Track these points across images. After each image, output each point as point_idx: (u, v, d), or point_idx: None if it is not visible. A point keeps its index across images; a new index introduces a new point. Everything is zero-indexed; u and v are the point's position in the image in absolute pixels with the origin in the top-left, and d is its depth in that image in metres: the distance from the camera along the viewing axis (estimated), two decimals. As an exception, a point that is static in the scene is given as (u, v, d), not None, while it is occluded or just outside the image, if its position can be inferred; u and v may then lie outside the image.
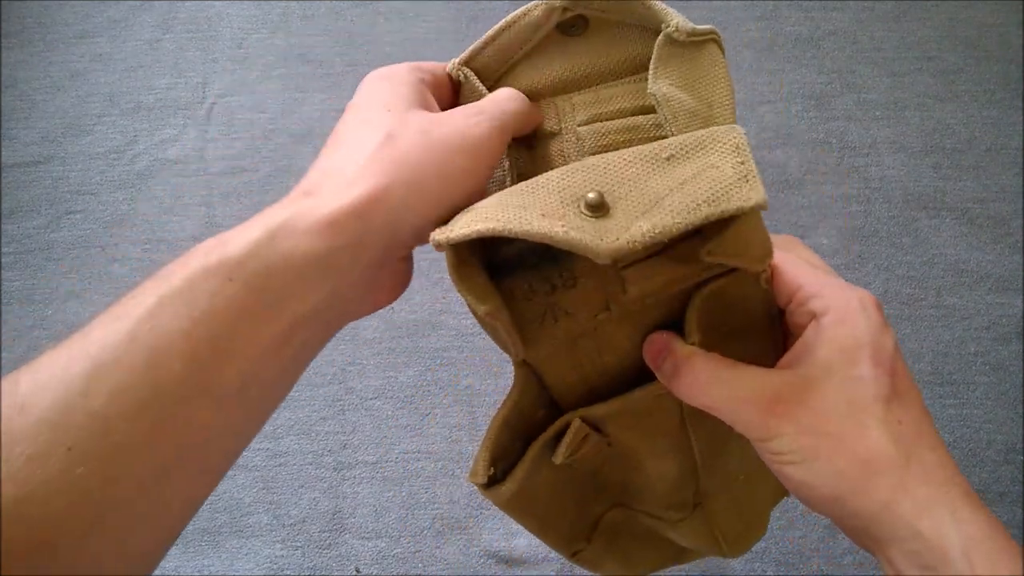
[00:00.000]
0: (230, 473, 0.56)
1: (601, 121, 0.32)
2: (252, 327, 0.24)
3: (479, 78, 0.32)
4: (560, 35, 0.33)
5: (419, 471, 0.60)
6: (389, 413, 0.62)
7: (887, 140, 0.74)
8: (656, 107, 0.30)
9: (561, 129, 0.32)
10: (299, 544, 0.58)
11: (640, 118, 0.31)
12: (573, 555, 0.42)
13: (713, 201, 0.24)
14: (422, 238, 0.28)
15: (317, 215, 0.25)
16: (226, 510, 0.58)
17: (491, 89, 0.32)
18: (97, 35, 0.79)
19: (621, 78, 0.32)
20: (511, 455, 0.32)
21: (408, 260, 0.31)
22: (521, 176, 0.32)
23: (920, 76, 0.77)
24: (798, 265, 0.31)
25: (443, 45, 0.76)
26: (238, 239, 0.25)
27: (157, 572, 0.57)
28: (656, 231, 0.24)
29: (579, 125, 0.32)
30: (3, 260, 0.68)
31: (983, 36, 0.80)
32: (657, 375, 0.30)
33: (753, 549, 0.58)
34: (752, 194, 0.25)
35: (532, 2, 0.32)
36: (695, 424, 0.34)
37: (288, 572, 0.57)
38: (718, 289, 0.29)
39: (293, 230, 0.25)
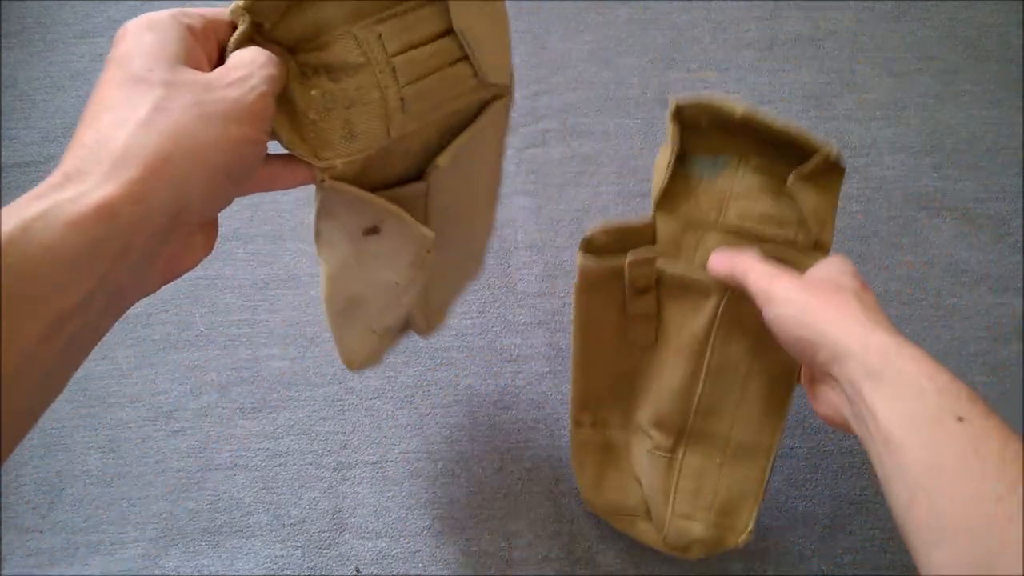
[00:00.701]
0: (230, 473, 0.57)
1: (414, 48, 0.34)
2: (9, 325, 0.22)
3: (257, 16, 0.31)
4: None
5: (419, 471, 0.60)
6: (389, 413, 0.62)
7: (887, 140, 0.74)
8: (460, 38, 0.35)
9: (369, 60, 0.33)
10: (299, 544, 0.58)
11: (447, 40, 0.35)
12: (576, 424, 0.53)
13: None
14: (208, 213, 0.28)
15: (82, 205, 0.23)
16: (226, 510, 0.58)
17: (271, 30, 0.31)
18: (97, 35, 0.79)
19: None
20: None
21: (208, 227, 0.30)
22: (327, 109, 0.33)
23: (920, 76, 0.77)
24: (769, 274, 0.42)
25: (443, 45, 0.76)
26: None
27: (157, 572, 0.57)
28: None
29: (392, 55, 0.33)
30: (3, 260, 0.68)
31: (983, 36, 0.80)
32: (714, 272, 0.45)
33: (753, 549, 0.58)
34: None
35: None
36: (719, 342, 0.47)
37: (288, 572, 0.57)
38: None
39: (51, 223, 0.23)
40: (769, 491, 0.59)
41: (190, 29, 0.29)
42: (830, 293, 0.38)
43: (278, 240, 0.69)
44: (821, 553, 0.58)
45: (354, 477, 0.60)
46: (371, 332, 0.46)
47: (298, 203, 0.70)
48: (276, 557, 0.57)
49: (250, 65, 0.29)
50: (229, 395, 0.63)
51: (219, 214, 0.31)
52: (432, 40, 0.34)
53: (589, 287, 0.49)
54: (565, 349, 0.64)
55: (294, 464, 0.60)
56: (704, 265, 0.47)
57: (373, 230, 0.38)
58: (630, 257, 0.48)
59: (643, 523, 0.54)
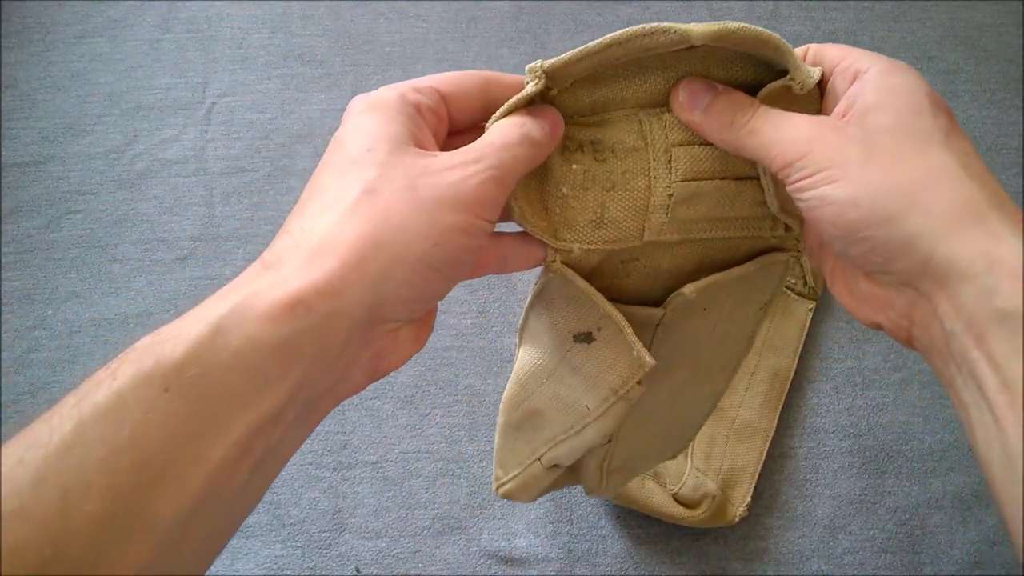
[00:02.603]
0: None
1: (697, 145, 0.29)
2: (194, 446, 0.20)
3: (549, 82, 0.28)
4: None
5: (419, 471, 0.60)
6: (389, 413, 0.62)
7: (887, 140, 0.74)
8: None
9: (647, 145, 0.29)
10: (299, 544, 0.58)
11: None
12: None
13: (777, 43, 0.26)
14: (415, 308, 0.25)
15: (272, 297, 0.21)
16: (226, 510, 0.59)
17: (555, 97, 0.29)
18: (97, 35, 0.79)
19: None
20: None
21: (418, 324, 0.26)
22: (583, 188, 0.29)
23: (920, 76, 0.77)
24: (839, 47, 0.28)
25: (443, 45, 0.76)
26: (179, 336, 0.21)
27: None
28: (722, 29, 0.26)
29: (673, 145, 0.29)
30: (3, 260, 0.68)
31: (983, 36, 0.80)
32: (687, 116, 0.29)
33: (752, 549, 0.58)
34: (812, 71, 0.27)
35: (654, 24, 0.28)
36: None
37: (288, 572, 0.57)
38: None
39: (243, 318, 0.21)
40: (769, 489, 0.59)
41: (418, 108, 0.26)
42: (911, 158, 0.24)
43: (278, 240, 0.69)
44: (821, 553, 0.58)
45: (354, 477, 0.60)
46: (536, 459, 0.39)
47: (298, 203, 0.70)
48: (276, 557, 0.57)
49: (492, 144, 0.26)
50: (229, 395, 0.63)
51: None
52: None
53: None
54: (565, 349, 0.64)
55: (294, 464, 0.60)
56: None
57: (586, 337, 0.32)
58: None
59: (651, 482, 0.56)
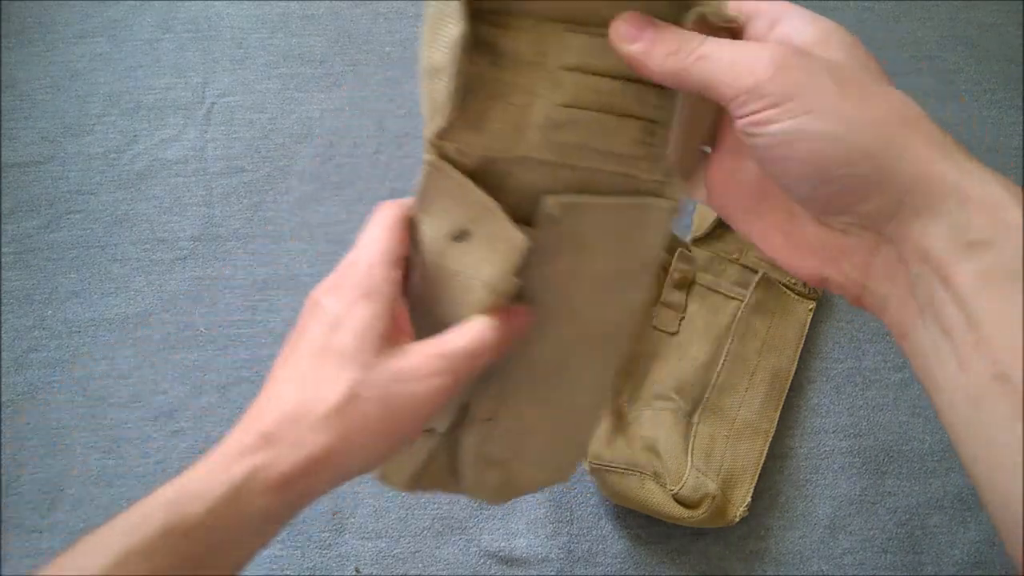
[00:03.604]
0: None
1: (587, 74, 0.29)
2: (204, 571, 0.26)
3: None
4: None
5: (419, 471, 0.60)
6: (389, 413, 0.62)
7: (887, 140, 0.74)
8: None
9: (539, 63, 0.29)
10: (299, 544, 0.58)
11: (630, 88, 0.30)
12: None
13: None
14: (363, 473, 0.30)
15: (275, 474, 0.27)
16: (226, 510, 0.59)
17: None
18: (97, 35, 0.79)
19: None
20: None
21: None
22: (470, 90, 0.29)
23: (920, 76, 0.77)
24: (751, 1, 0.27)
25: (443, 45, 0.76)
26: (202, 495, 0.26)
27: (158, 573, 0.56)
28: None
29: (564, 68, 0.29)
30: (3, 260, 0.68)
31: (983, 36, 0.80)
32: (628, 47, 0.26)
33: (752, 549, 0.58)
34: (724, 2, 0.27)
35: None
36: (737, 337, 0.56)
37: (288, 572, 0.57)
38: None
39: (253, 490, 0.26)
40: (770, 487, 0.59)
41: (399, 284, 0.31)
42: (878, 94, 0.24)
43: (278, 240, 0.69)
44: (821, 553, 0.58)
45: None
46: None
47: (298, 203, 0.70)
48: (276, 557, 0.57)
49: (461, 355, 0.29)
50: (229, 395, 0.63)
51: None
52: (614, 78, 0.29)
53: None
54: (565, 349, 0.64)
55: (294, 464, 0.60)
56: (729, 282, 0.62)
57: (462, 235, 0.32)
58: (680, 252, 0.62)
59: (651, 483, 0.56)
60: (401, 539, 0.58)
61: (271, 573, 0.57)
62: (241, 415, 0.29)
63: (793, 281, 0.65)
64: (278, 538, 0.58)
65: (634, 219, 0.32)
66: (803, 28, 0.25)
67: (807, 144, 0.22)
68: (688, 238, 0.66)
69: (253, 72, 0.77)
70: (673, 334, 0.63)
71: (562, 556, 0.57)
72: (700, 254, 0.65)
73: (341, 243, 0.66)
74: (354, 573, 0.57)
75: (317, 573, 0.57)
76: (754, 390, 0.61)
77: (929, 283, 0.21)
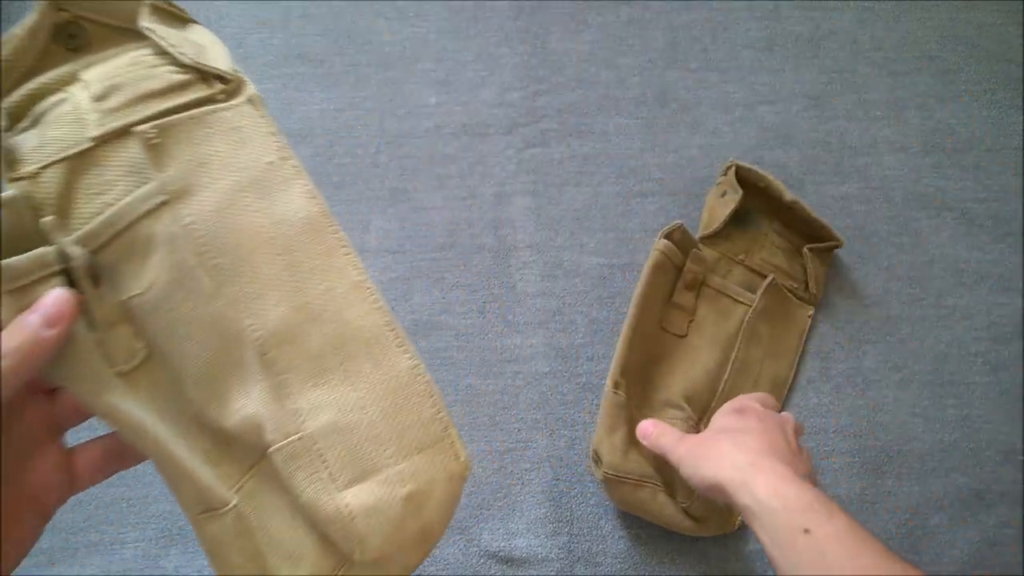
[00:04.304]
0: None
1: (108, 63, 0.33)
2: None
3: None
4: (63, 50, 0.32)
5: (419, 471, 0.60)
6: (389, 413, 0.62)
7: (887, 140, 0.74)
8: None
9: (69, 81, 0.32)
10: (299, 544, 0.58)
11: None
12: (614, 386, 0.57)
13: None
14: None
15: None
16: (226, 510, 0.58)
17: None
18: (97, 35, 0.79)
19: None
20: None
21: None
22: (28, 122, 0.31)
23: (920, 76, 0.77)
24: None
25: (443, 45, 0.76)
26: None
27: (157, 572, 0.57)
28: None
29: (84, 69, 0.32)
30: (3, 260, 0.68)
31: (983, 36, 0.80)
32: (646, 440, 0.54)
33: (753, 549, 0.58)
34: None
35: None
36: (744, 343, 0.62)
37: (288, 572, 0.57)
38: None
39: None
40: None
41: None
42: (713, 443, 0.48)
43: (278, 240, 0.69)
44: (821, 553, 0.58)
45: (354, 477, 0.60)
46: None
47: (298, 203, 0.70)
48: (276, 557, 0.57)
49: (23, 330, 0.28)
50: (229, 395, 0.63)
51: None
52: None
53: (660, 268, 0.61)
54: (565, 349, 0.64)
55: (294, 464, 0.60)
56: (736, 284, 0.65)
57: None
58: (693, 252, 0.63)
59: (663, 496, 0.55)
60: (401, 539, 0.58)
61: (271, 573, 0.57)
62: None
63: (795, 285, 0.65)
64: (278, 538, 0.58)
65: (226, 125, 0.35)
66: (721, 412, 0.53)
67: (686, 474, 0.49)
68: (696, 236, 0.66)
69: (253, 72, 0.77)
70: (682, 337, 0.63)
71: (562, 556, 0.57)
72: (708, 253, 0.65)
73: (341, 243, 0.67)
74: (354, 573, 0.57)
75: (317, 573, 0.57)
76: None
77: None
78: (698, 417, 0.60)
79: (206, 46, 0.35)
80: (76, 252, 0.29)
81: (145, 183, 0.30)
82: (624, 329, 0.59)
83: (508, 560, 0.57)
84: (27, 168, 0.30)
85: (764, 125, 0.74)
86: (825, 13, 0.80)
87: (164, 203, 0.30)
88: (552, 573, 0.57)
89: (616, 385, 0.57)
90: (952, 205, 0.71)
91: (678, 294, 0.63)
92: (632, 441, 0.56)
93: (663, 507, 0.55)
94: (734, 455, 0.45)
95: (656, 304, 0.62)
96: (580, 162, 0.72)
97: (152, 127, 0.31)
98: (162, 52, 0.33)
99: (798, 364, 0.64)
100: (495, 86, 0.75)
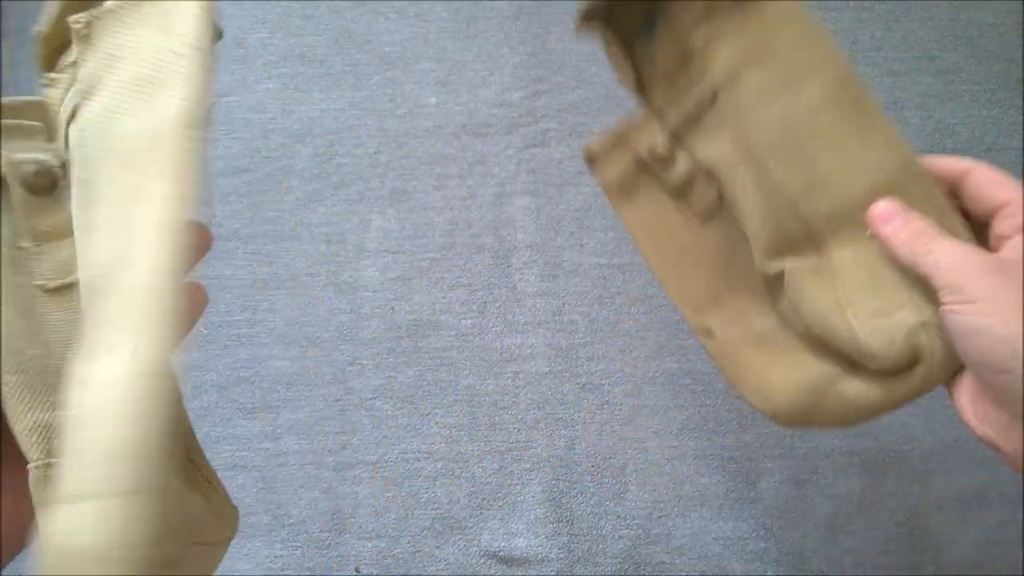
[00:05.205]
0: (230, 474, 0.57)
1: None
2: None
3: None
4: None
5: (419, 471, 0.60)
6: (389, 413, 0.62)
7: (887, 140, 0.74)
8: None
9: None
10: (299, 544, 0.58)
11: None
12: (704, 336, 0.42)
13: None
14: None
15: None
16: (226, 510, 0.59)
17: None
18: (97, 35, 0.79)
19: None
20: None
21: None
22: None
23: (920, 76, 0.77)
24: (1000, 182, 0.35)
25: (443, 45, 0.76)
26: None
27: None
28: None
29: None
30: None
31: (983, 36, 0.80)
32: (881, 228, 0.33)
33: (752, 549, 0.58)
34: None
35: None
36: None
37: (288, 572, 0.57)
38: None
39: None
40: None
41: None
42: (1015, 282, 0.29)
43: (278, 240, 0.69)
44: (821, 553, 0.58)
45: (354, 477, 0.60)
46: None
47: (298, 203, 0.70)
48: (276, 557, 0.57)
49: None
50: (229, 395, 0.63)
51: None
52: None
53: (621, 194, 0.46)
54: (565, 349, 0.64)
55: (294, 464, 0.60)
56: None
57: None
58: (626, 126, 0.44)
59: (849, 383, 0.38)
60: (401, 539, 0.58)
61: (271, 573, 0.57)
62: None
63: None
64: (278, 538, 0.58)
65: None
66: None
67: (982, 339, 0.29)
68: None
69: (253, 72, 0.77)
70: (716, 212, 0.42)
71: (562, 556, 0.57)
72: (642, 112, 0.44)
73: (341, 243, 0.67)
74: (354, 573, 0.57)
75: (317, 573, 0.57)
76: (830, 141, 0.36)
77: None
78: (812, 254, 0.37)
79: None
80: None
81: (74, 83, 0.28)
82: (658, 278, 0.43)
83: (508, 560, 0.57)
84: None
85: (764, 125, 0.74)
86: (825, 13, 0.80)
87: (76, 106, 0.27)
88: (552, 573, 0.57)
89: (707, 333, 0.41)
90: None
91: (662, 182, 0.43)
92: (772, 360, 0.40)
93: (860, 394, 0.38)
94: None
95: (665, 216, 0.44)
96: (580, 162, 0.72)
97: (84, 15, 0.27)
98: None
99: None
100: (495, 86, 0.75)
